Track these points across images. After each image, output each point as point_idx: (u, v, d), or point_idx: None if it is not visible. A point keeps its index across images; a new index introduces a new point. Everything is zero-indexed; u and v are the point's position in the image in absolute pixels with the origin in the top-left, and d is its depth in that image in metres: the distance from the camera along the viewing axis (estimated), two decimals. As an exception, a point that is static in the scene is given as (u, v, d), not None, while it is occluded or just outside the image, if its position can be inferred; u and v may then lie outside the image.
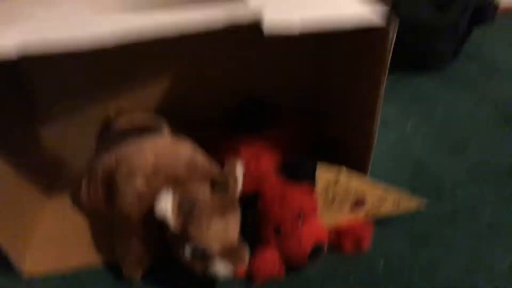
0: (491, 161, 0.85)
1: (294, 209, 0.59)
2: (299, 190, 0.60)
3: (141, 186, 0.59)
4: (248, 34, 0.70)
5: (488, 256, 0.66)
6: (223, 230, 0.54)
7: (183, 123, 0.74)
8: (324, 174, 0.63)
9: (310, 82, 0.85)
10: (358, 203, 0.66)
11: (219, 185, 0.57)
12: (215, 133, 0.76)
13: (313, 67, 0.83)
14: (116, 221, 0.62)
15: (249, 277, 0.62)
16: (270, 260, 0.61)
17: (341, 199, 0.65)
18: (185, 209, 0.54)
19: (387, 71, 0.60)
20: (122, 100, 0.78)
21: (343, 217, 0.66)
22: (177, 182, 0.59)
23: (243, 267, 0.55)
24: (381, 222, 0.72)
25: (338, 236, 0.66)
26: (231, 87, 0.81)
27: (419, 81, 1.14)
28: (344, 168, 0.64)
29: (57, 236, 0.71)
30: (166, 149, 0.64)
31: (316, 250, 0.59)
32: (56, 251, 0.68)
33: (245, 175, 0.62)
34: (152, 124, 0.71)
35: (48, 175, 0.80)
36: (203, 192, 0.57)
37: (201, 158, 0.65)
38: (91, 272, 0.65)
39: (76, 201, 0.76)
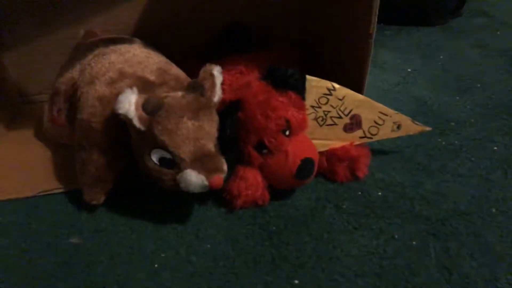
0: (496, 100, 0.77)
1: (279, 119, 0.51)
2: (285, 99, 0.53)
3: (102, 89, 0.51)
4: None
5: (498, 187, 0.58)
6: (195, 133, 0.47)
7: (163, 50, 0.67)
8: (315, 87, 0.55)
9: (299, 9, 0.77)
10: (353, 122, 0.58)
11: (193, 88, 0.49)
12: (198, 60, 0.68)
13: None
14: (77, 139, 0.54)
15: (229, 200, 0.54)
16: (252, 180, 0.53)
17: (334, 116, 0.57)
18: (151, 107, 0.46)
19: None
20: (92, 25, 0.71)
21: (336, 138, 0.58)
22: (145, 86, 0.51)
23: (219, 178, 0.47)
24: (379, 150, 0.65)
25: (330, 161, 0.59)
26: (214, 12, 0.74)
27: (421, 32, 1.07)
28: (337, 85, 0.56)
29: (17, 166, 0.63)
30: (136, 56, 0.56)
31: (305, 164, 0.51)
32: (16, 181, 0.60)
33: (227, 86, 0.55)
34: (124, 38, 0.63)
35: (11, 107, 0.72)
36: (173, 94, 0.49)
37: (174, 68, 0.57)
38: (50, 199, 0.57)
39: (39, 129, 0.68)
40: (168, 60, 0.59)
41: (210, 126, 0.48)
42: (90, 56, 0.57)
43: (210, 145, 0.48)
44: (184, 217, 0.54)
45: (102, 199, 0.54)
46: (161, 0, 0.72)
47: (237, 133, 0.52)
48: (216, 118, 0.50)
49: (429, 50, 0.97)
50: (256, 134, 0.51)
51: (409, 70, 0.89)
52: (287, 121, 0.52)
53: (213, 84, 0.50)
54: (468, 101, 0.77)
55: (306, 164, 0.52)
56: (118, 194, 0.55)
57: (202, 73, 0.51)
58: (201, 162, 0.47)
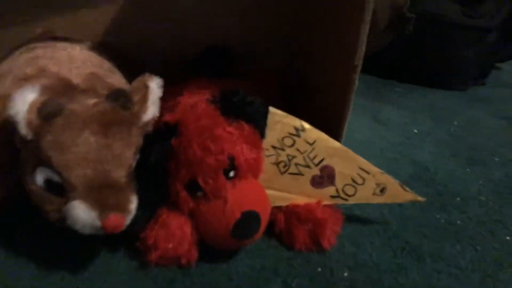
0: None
1: (220, 153, 0.39)
2: (235, 130, 0.41)
3: (9, 86, 0.41)
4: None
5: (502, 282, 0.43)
6: (98, 153, 0.35)
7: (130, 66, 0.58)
8: (280, 123, 0.44)
9: (288, 35, 0.67)
10: (324, 175, 0.45)
11: (114, 97, 0.38)
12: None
13: (293, 17, 0.66)
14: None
15: (142, 252, 0.41)
16: (175, 230, 0.40)
17: (300, 164, 0.45)
18: (46, 111, 0.35)
19: (367, 17, 0.42)
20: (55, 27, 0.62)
21: (299, 192, 0.46)
22: (65, 90, 0.40)
23: (117, 218, 0.35)
24: (356, 216, 0.51)
25: (288, 221, 0.45)
26: (193, 32, 0.65)
27: (437, 95, 0.95)
28: (308, 124, 0.45)
29: None
30: (70, 56, 0.46)
31: (247, 219, 0.39)
32: None
33: (172, 104, 0.44)
34: (73, 38, 0.54)
35: None
36: (84, 101, 0.38)
37: (116, 77, 0.47)
38: None
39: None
40: (115, 69, 0.49)
41: (124, 148, 0.37)
42: (17, 51, 0.48)
43: (118, 173, 0.36)
44: (81, 265, 0.41)
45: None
46: (135, 10, 0.63)
47: (166, 164, 0.40)
48: (136, 139, 0.38)
49: (443, 113, 0.85)
50: (189, 169, 0.39)
51: (415, 131, 0.77)
52: (232, 158, 0.40)
53: (145, 98, 0.39)
54: (481, 175, 0.64)
55: (248, 219, 0.39)
56: (4, 222, 0.43)
57: (134, 82, 0.40)
58: (99, 193, 0.35)
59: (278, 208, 0.46)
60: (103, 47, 0.53)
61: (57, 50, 0.46)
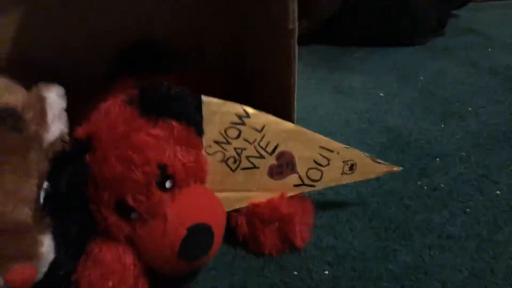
0: (493, 126, 0.58)
1: (146, 164, 0.32)
2: (162, 132, 0.33)
3: None
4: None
5: (509, 254, 0.38)
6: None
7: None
8: (218, 113, 0.36)
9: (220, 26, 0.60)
10: (283, 164, 0.39)
11: (0, 119, 0.30)
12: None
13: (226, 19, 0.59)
14: None
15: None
16: (112, 264, 0.33)
17: (252, 156, 0.38)
18: None
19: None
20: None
21: (257, 188, 0.39)
22: None
23: (22, 270, 0.27)
24: (329, 202, 0.45)
25: (251, 224, 0.39)
26: (121, 29, 0.56)
27: (398, 53, 0.90)
28: (251, 109, 0.38)
29: None
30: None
31: (194, 235, 0.32)
32: None
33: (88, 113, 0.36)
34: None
35: None
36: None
37: (7, 95, 0.39)
38: None
39: None
40: (14, 86, 0.41)
41: (19, 181, 0.29)
42: None
43: (17, 213, 0.28)
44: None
45: None
46: (44, 16, 0.54)
47: (83, 188, 0.32)
48: (37, 166, 0.31)
49: (407, 71, 0.80)
50: (112, 189, 0.32)
51: (381, 94, 0.71)
52: (163, 166, 0.33)
53: (43, 113, 0.32)
54: (458, 129, 0.58)
55: (196, 235, 0.32)
56: None
57: (26, 97, 0.32)
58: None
59: (237, 211, 0.39)
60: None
61: None
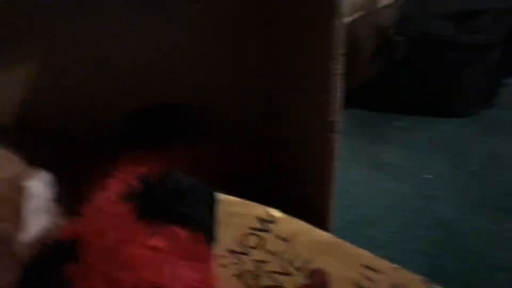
0: None
1: (142, 286, 0.25)
2: (163, 243, 0.26)
3: None
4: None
5: None
6: None
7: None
8: (236, 215, 0.29)
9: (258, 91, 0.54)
10: (315, 284, 0.31)
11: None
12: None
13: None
14: None
15: None
16: None
17: (276, 272, 0.30)
18: None
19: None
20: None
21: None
22: None
23: None
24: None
25: None
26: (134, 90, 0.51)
27: (444, 125, 0.81)
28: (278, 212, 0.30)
29: None
30: None
31: None
32: None
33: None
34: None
35: None
36: None
37: None
38: None
39: None
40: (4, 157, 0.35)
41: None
42: None
43: None
44: None
45: None
46: (50, 75, 0.50)
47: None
48: (2, 280, 0.24)
49: (456, 149, 0.71)
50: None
51: (426, 176, 0.62)
52: (159, 291, 0.25)
53: (17, 207, 0.26)
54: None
55: None
56: None
57: (1, 187, 0.26)
58: None
59: None
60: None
61: None
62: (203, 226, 0.28)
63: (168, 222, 0.27)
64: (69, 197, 0.36)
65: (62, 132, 0.49)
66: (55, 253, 0.26)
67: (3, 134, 0.39)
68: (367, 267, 0.31)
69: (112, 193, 0.29)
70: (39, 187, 0.27)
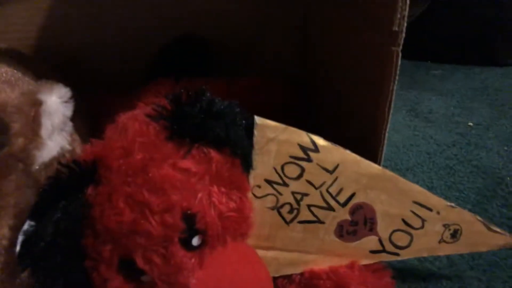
0: None
1: (168, 210, 0.22)
2: (195, 165, 0.23)
3: None
4: None
5: None
6: None
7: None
8: (275, 141, 0.26)
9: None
10: (358, 220, 0.28)
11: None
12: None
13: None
14: None
15: None
16: None
17: (316, 205, 0.27)
18: None
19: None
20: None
21: (319, 251, 0.28)
22: None
23: None
24: (412, 274, 0.33)
25: (306, 298, 0.28)
26: (161, 25, 0.48)
27: (486, 73, 0.75)
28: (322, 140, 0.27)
29: None
30: None
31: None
32: None
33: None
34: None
35: None
36: None
37: (9, 90, 0.31)
38: None
39: None
40: (14, 79, 0.32)
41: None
42: None
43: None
44: None
45: None
46: (76, 5, 0.46)
47: (78, 238, 0.23)
48: (15, 198, 0.22)
49: (501, 98, 0.65)
50: (116, 242, 0.22)
51: (470, 124, 0.58)
52: (191, 217, 0.23)
53: (36, 123, 0.23)
54: None
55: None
56: None
57: (16, 99, 0.24)
58: None
59: (288, 278, 0.28)
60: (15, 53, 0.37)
61: None
62: (240, 150, 0.25)
63: (201, 144, 0.24)
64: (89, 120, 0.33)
65: (94, 64, 0.47)
66: (75, 174, 0.24)
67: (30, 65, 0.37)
68: (419, 204, 0.28)
69: (139, 113, 0.26)
70: (57, 103, 0.24)
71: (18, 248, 0.22)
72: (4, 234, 0.21)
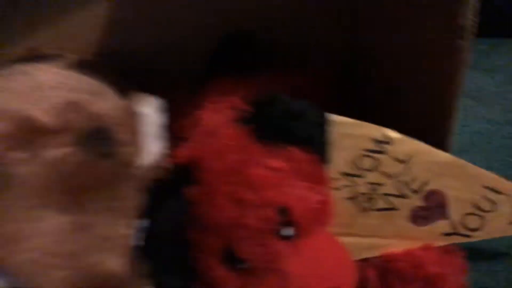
0: None
1: (266, 206, 0.25)
2: (282, 164, 0.26)
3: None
4: None
5: None
6: (72, 242, 0.22)
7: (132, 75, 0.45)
8: (350, 136, 0.28)
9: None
10: (431, 206, 0.30)
11: (86, 139, 0.25)
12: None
13: None
14: None
15: None
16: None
17: (391, 194, 0.29)
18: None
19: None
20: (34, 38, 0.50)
21: (394, 235, 0.30)
22: (28, 134, 0.28)
23: None
24: (480, 255, 0.35)
25: (385, 279, 0.30)
26: (213, 20, 0.50)
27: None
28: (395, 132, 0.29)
29: None
30: (40, 83, 0.33)
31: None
32: None
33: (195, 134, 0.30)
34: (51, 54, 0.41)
35: None
36: (46, 154, 0.25)
37: (108, 101, 0.34)
38: None
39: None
40: (105, 90, 0.36)
41: (114, 223, 0.23)
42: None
43: (112, 263, 0.23)
44: None
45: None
46: (133, 8, 0.49)
47: (185, 231, 0.26)
48: (131, 201, 0.25)
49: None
50: (219, 235, 0.25)
51: (521, 100, 0.57)
52: (284, 211, 0.25)
53: (134, 133, 0.26)
54: None
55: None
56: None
57: (116, 111, 0.27)
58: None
59: (366, 261, 0.31)
60: (95, 62, 0.41)
61: (15, 77, 0.34)
62: (319, 147, 0.27)
63: (285, 144, 0.26)
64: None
65: (148, 65, 0.50)
66: (175, 176, 0.27)
67: (90, 68, 0.40)
68: (489, 188, 0.29)
69: (222, 117, 0.28)
70: (152, 112, 0.27)
71: (135, 244, 0.25)
72: (125, 233, 0.24)
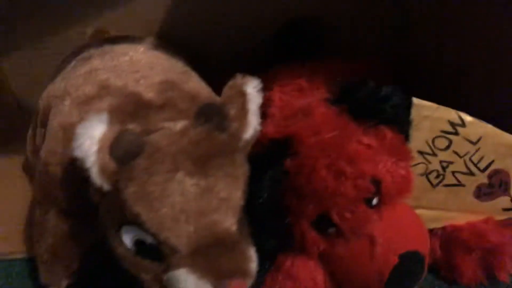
0: None
1: (361, 177, 0.28)
2: (375, 141, 0.29)
3: (70, 112, 0.32)
4: None
5: None
6: (199, 201, 0.25)
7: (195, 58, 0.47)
8: (429, 118, 0.31)
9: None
10: (494, 183, 0.33)
11: (205, 116, 0.28)
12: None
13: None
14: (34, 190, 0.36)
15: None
16: (306, 281, 0.30)
17: (460, 172, 0.32)
18: (123, 150, 0.25)
19: None
20: (106, 22, 0.53)
21: (458, 209, 0.33)
22: (137, 109, 0.31)
23: (240, 286, 0.25)
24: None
25: (447, 248, 0.34)
26: (272, 8, 0.52)
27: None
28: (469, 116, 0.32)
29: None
30: (134, 62, 0.36)
31: (407, 264, 0.28)
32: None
33: (275, 112, 0.33)
34: (132, 37, 0.44)
35: (8, 120, 0.57)
36: (169, 127, 0.28)
37: (193, 81, 0.36)
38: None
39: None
40: (189, 70, 0.38)
41: (230, 188, 0.26)
42: (73, 62, 0.39)
43: (228, 223, 0.26)
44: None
45: (62, 284, 0.34)
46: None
47: (282, 199, 0.29)
48: (242, 170, 0.28)
49: None
50: (318, 202, 0.28)
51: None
52: (377, 182, 0.28)
53: (244, 110, 0.29)
54: None
55: (410, 264, 0.28)
56: (88, 280, 0.35)
57: (226, 90, 0.29)
58: (210, 255, 0.25)
59: (431, 231, 0.34)
60: (166, 43, 0.43)
61: (116, 56, 0.36)
62: (403, 127, 0.30)
63: (377, 122, 0.29)
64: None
65: (205, 51, 0.52)
66: (271, 150, 0.30)
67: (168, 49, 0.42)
68: (549, 168, 0.32)
69: (315, 98, 0.31)
70: (254, 92, 0.29)
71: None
72: (240, 198, 0.27)
